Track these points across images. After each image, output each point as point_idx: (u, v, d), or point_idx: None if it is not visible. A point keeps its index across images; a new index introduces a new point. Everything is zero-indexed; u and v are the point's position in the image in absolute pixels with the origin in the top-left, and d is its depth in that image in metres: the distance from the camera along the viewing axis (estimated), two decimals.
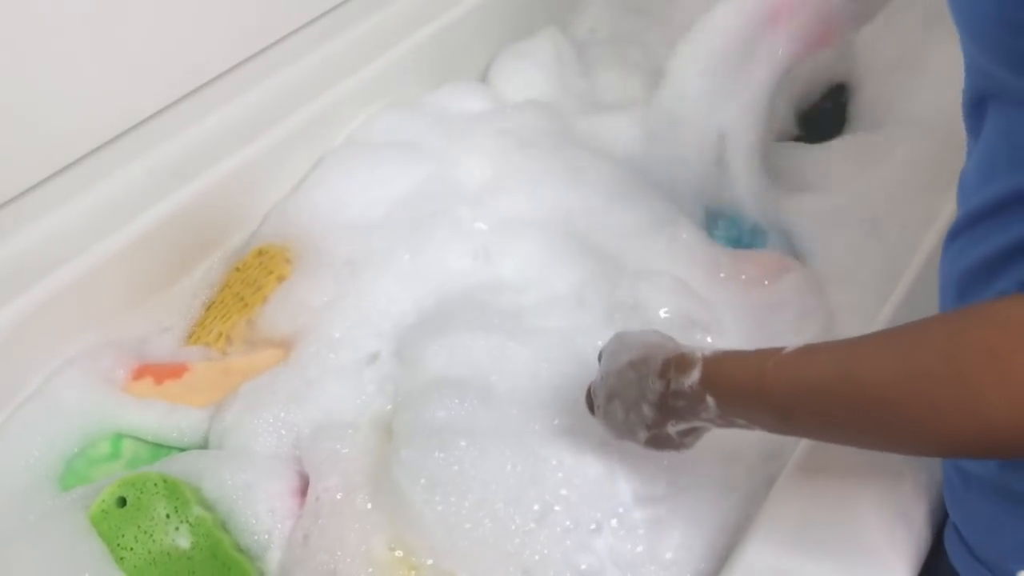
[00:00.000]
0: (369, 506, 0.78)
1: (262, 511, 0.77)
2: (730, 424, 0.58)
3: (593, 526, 0.73)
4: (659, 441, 0.64)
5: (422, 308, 0.94)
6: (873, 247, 0.99)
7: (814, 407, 0.52)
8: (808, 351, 0.53)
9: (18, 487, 0.77)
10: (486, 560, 0.73)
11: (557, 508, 0.74)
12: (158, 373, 0.87)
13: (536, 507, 0.74)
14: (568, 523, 0.73)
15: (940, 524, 0.62)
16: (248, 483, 0.78)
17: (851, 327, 0.89)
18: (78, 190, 0.86)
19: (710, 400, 0.58)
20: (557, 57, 1.28)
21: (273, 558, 0.77)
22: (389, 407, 0.87)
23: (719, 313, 0.92)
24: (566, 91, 1.26)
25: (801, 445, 0.67)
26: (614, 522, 0.74)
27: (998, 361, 0.42)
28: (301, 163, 1.03)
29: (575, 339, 0.88)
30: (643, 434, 0.64)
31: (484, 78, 1.26)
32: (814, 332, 0.91)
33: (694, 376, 0.58)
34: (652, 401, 0.62)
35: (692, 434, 0.64)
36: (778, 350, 0.54)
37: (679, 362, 0.60)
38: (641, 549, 0.73)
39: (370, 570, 0.75)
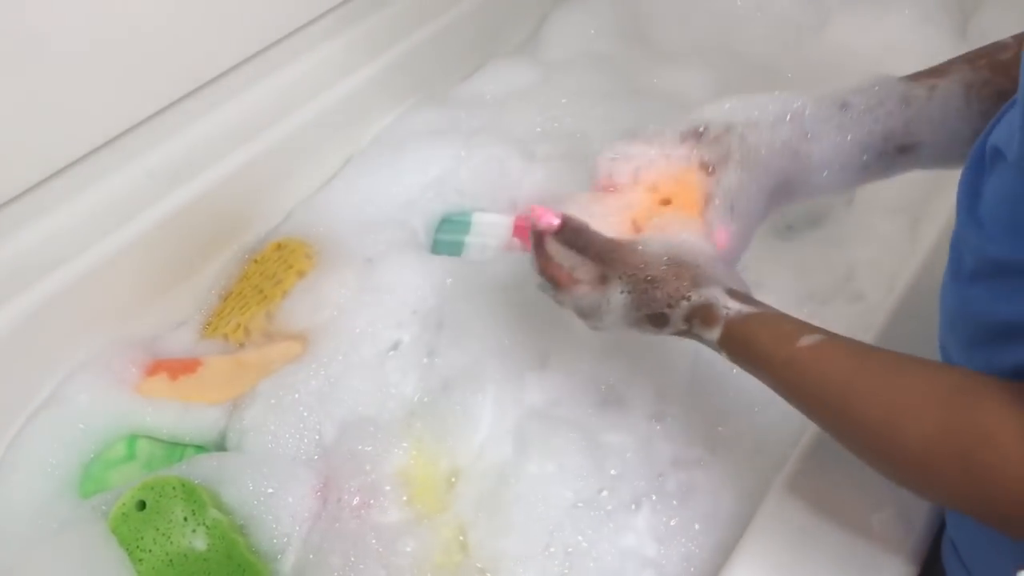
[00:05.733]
0: (390, 505, 0.79)
1: (284, 516, 0.78)
2: None
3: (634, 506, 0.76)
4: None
5: (442, 287, 0.92)
6: None
7: (810, 407, 0.56)
8: (822, 353, 0.55)
9: (39, 497, 0.78)
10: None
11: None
12: (172, 369, 0.87)
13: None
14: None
15: (939, 531, 0.62)
16: (270, 489, 0.78)
17: None
18: (82, 188, 0.83)
19: (721, 351, 0.62)
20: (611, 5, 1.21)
21: (289, 560, 0.78)
22: (414, 395, 0.87)
23: None
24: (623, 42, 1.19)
25: (802, 445, 0.67)
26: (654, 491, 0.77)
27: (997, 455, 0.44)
28: (325, 160, 0.99)
29: None
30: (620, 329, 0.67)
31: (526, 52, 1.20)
32: None
33: (714, 333, 0.62)
34: (661, 328, 0.65)
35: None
36: (795, 336, 0.57)
37: (704, 315, 0.62)
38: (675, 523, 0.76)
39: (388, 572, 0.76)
